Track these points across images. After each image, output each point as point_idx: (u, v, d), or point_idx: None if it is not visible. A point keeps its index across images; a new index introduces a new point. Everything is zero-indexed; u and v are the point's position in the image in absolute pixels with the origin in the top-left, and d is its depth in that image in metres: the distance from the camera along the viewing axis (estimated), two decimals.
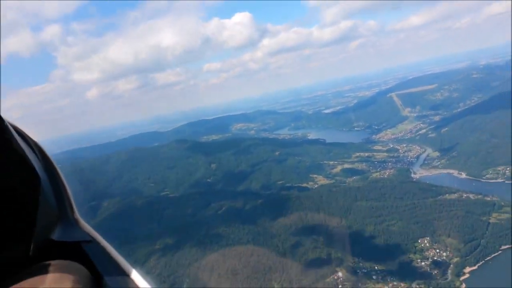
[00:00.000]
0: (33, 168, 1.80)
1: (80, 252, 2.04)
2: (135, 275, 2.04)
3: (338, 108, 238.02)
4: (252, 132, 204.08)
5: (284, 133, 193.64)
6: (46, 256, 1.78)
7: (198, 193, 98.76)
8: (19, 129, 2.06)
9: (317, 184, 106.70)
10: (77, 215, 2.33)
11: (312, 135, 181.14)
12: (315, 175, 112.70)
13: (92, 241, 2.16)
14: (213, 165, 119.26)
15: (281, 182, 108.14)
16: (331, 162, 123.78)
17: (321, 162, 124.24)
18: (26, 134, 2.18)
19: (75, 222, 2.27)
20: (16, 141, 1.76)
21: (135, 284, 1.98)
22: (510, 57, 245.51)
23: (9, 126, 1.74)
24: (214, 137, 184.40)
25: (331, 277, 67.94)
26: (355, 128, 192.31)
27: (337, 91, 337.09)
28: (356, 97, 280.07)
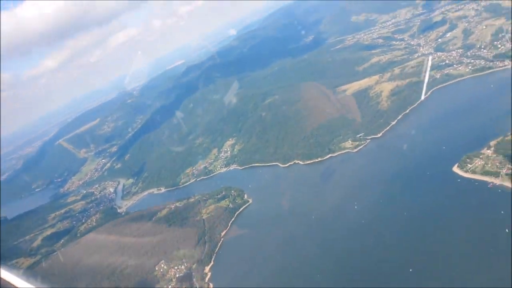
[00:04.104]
0: None
1: None
2: None
3: (5, 175, 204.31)
4: None
5: None
6: None
7: None
8: None
9: (20, 270, 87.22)
10: None
11: None
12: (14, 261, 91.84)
13: None
14: None
15: None
16: (27, 238, 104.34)
17: (13, 245, 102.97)
18: None
19: None
20: None
21: None
22: (147, 79, 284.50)
23: None
24: None
25: None
26: (36, 190, 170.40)
27: None
28: (22, 156, 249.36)
